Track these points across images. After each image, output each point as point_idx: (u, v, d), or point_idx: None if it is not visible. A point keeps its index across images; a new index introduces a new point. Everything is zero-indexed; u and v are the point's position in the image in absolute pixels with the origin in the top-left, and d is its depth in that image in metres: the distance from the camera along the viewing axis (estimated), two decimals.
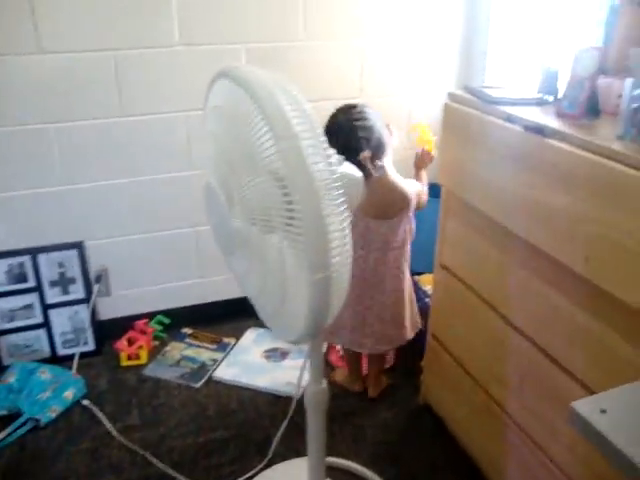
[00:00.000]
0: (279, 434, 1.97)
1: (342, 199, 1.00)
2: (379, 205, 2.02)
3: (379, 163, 1.93)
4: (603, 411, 0.86)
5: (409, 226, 2.10)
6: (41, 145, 2.32)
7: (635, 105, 1.28)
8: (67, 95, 2.27)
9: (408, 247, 2.13)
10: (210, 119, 1.23)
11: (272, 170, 0.99)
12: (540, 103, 1.64)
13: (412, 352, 2.54)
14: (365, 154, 1.87)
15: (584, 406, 0.87)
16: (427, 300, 2.39)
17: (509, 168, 1.56)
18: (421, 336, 2.46)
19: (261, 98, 0.97)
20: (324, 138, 1.00)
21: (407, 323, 2.20)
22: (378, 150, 1.93)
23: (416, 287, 2.44)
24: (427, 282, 2.48)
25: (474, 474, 1.96)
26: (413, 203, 2.06)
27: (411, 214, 2.09)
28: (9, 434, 2.16)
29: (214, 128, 1.18)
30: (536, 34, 2.37)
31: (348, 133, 1.88)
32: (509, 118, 1.56)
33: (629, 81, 1.30)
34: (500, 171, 1.60)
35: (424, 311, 2.38)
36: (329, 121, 1.94)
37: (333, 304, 1.03)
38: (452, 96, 1.85)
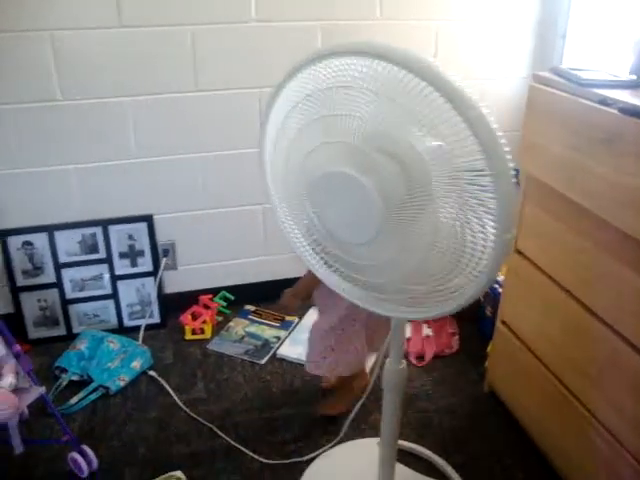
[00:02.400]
0: (353, 414, 1.96)
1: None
2: None
3: None
4: None
5: None
6: (117, 118, 2.35)
7: None
8: (144, 69, 2.30)
9: None
10: (334, 101, 1.12)
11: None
12: (635, 85, 1.58)
13: (477, 338, 2.53)
14: None
15: None
16: (496, 287, 2.35)
17: (600, 152, 1.51)
18: (486, 322, 2.44)
19: (429, 72, 0.95)
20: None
21: None
22: None
23: None
24: None
25: (543, 465, 1.93)
26: None
27: None
28: (82, 399, 2.21)
29: (350, 110, 1.11)
30: (626, 10, 2.28)
31: None
32: (603, 100, 1.50)
33: None
34: (589, 155, 1.55)
35: (493, 298, 2.36)
36: None
37: None
38: (538, 78, 1.80)
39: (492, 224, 1.01)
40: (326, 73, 1.10)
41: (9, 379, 1.82)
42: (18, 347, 1.88)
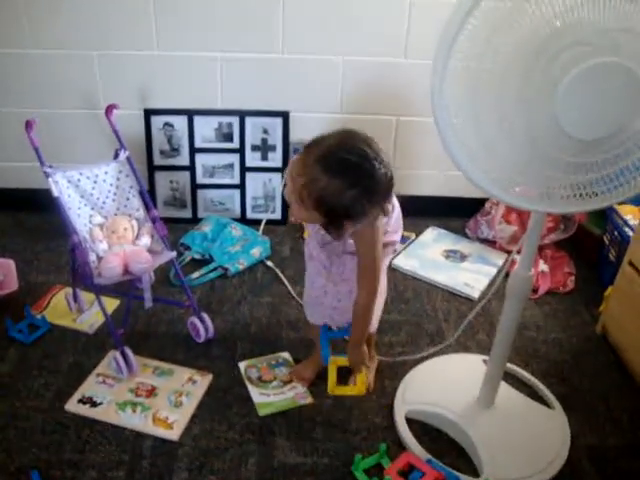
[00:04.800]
0: (462, 326, 1.96)
1: None
2: None
3: None
4: None
5: None
6: (268, 11, 2.37)
7: None
8: None
9: None
10: None
11: None
12: None
13: (593, 282, 2.46)
14: None
15: None
16: (626, 229, 2.27)
17: None
18: (608, 267, 2.37)
19: None
20: None
21: None
22: None
23: (616, 216, 2.32)
24: (628, 212, 2.35)
25: None
26: None
27: None
28: (202, 275, 2.34)
29: None
30: None
31: None
32: None
33: None
34: None
35: (620, 241, 2.27)
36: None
37: None
38: None
39: None
40: None
41: (145, 239, 1.95)
42: (155, 212, 1.99)
